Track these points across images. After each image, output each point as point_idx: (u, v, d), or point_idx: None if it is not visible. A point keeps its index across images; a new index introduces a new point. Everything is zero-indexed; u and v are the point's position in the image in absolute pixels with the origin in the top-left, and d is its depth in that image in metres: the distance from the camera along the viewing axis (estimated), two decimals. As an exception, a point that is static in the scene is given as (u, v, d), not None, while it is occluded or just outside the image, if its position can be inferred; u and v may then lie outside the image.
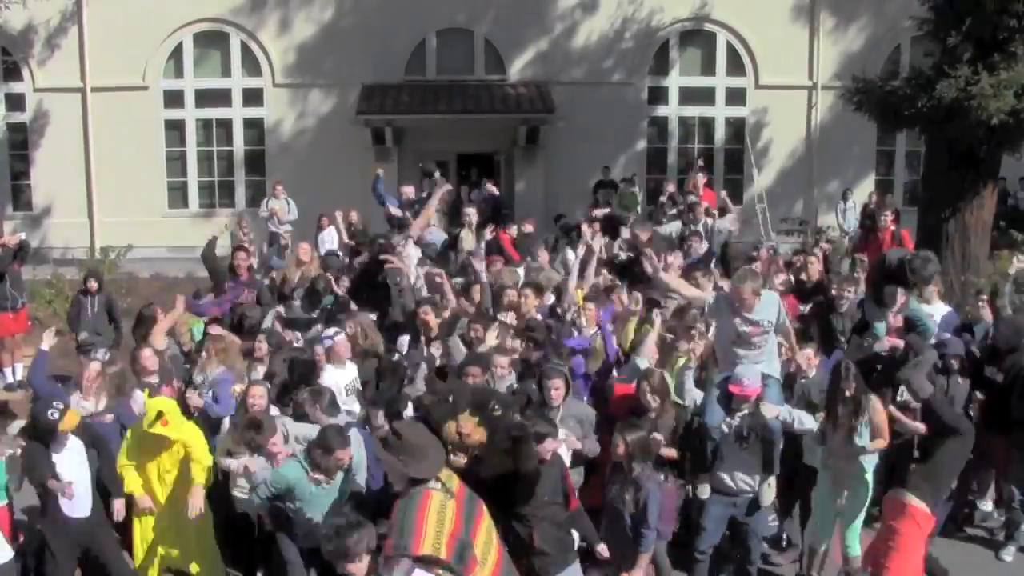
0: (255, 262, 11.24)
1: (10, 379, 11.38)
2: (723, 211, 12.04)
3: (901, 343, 7.63)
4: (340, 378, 7.52)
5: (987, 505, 8.23)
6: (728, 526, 6.65)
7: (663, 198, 15.17)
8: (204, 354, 7.98)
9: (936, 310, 8.77)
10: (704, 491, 6.49)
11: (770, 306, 6.74)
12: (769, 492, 6.51)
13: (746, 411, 6.37)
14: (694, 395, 6.92)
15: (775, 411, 6.40)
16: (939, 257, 13.02)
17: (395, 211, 12.26)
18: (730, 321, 6.69)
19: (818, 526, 6.84)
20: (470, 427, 4.48)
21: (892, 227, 11.28)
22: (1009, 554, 7.62)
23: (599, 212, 14.16)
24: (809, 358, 7.36)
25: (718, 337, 7.05)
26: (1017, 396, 7.49)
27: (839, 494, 6.65)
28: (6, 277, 11.12)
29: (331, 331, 7.78)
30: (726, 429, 6.36)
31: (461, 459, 4.55)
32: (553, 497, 5.52)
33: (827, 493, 6.74)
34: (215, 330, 8.77)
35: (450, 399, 4.55)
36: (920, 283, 8.15)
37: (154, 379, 7.60)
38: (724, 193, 12.82)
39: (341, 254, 11.45)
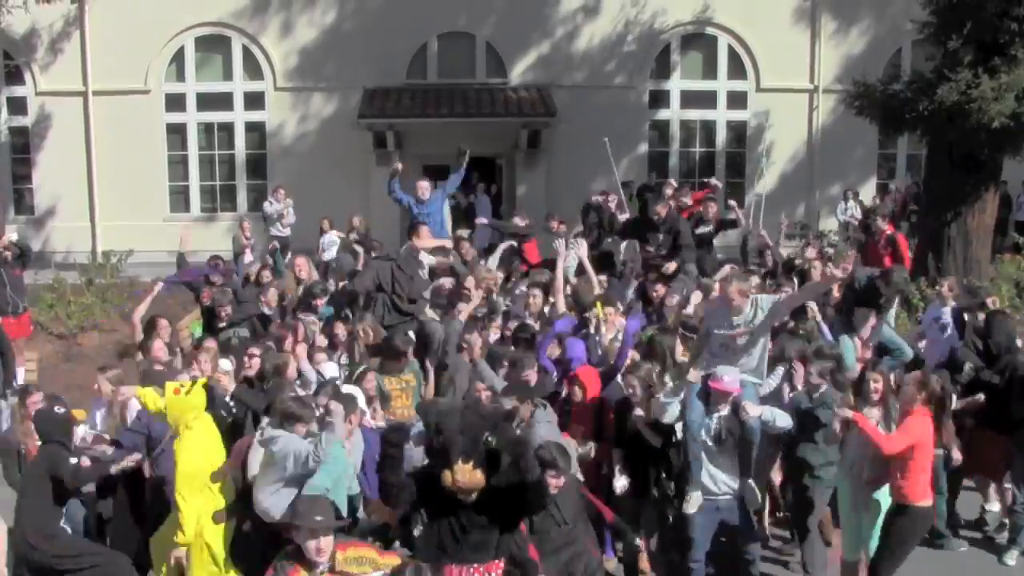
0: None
1: (12, 383, 11.36)
2: (700, 220, 12.19)
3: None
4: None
5: (994, 507, 8.21)
6: (721, 533, 6.53)
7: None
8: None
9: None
10: (695, 502, 6.27)
11: (760, 308, 6.49)
12: (754, 495, 6.38)
13: (724, 411, 6.28)
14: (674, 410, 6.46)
15: (758, 410, 6.27)
16: (941, 260, 13.18)
17: (413, 206, 12.20)
18: (717, 327, 6.57)
19: (848, 540, 6.76)
20: (466, 476, 4.54)
21: (888, 230, 11.24)
22: (1012, 558, 7.57)
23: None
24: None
25: (708, 343, 6.80)
26: (1017, 397, 7.49)
27: (858, 506, 6.58)
28: (6, 281, 11.11)
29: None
30: (704, 434, 6.26)
31: (469, 498, 4.63)
32: (575, 522, 5.60)
33: (849, 505, 6.70)
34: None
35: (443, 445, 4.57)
36: (891, 296, 8.26)
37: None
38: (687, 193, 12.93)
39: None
